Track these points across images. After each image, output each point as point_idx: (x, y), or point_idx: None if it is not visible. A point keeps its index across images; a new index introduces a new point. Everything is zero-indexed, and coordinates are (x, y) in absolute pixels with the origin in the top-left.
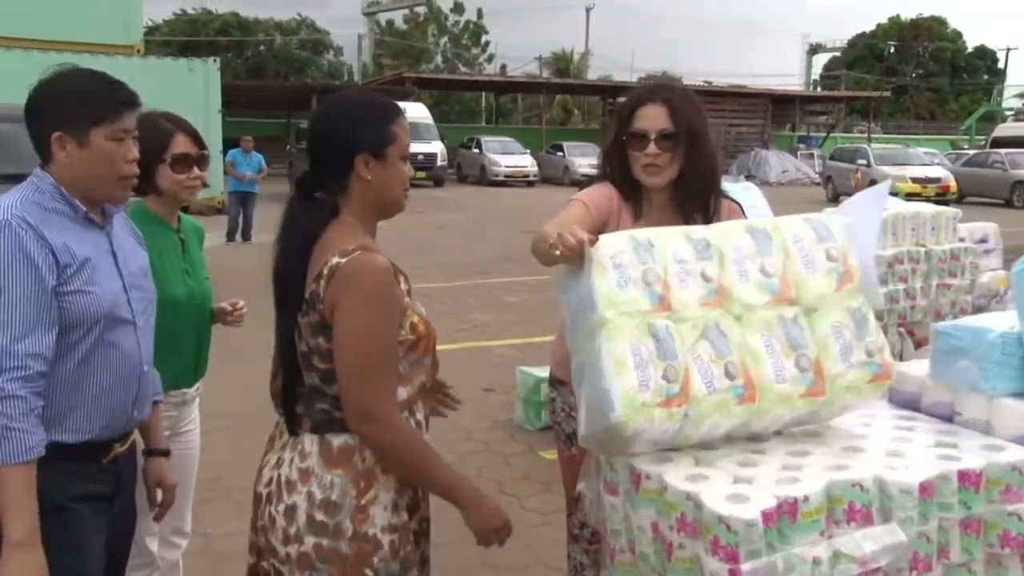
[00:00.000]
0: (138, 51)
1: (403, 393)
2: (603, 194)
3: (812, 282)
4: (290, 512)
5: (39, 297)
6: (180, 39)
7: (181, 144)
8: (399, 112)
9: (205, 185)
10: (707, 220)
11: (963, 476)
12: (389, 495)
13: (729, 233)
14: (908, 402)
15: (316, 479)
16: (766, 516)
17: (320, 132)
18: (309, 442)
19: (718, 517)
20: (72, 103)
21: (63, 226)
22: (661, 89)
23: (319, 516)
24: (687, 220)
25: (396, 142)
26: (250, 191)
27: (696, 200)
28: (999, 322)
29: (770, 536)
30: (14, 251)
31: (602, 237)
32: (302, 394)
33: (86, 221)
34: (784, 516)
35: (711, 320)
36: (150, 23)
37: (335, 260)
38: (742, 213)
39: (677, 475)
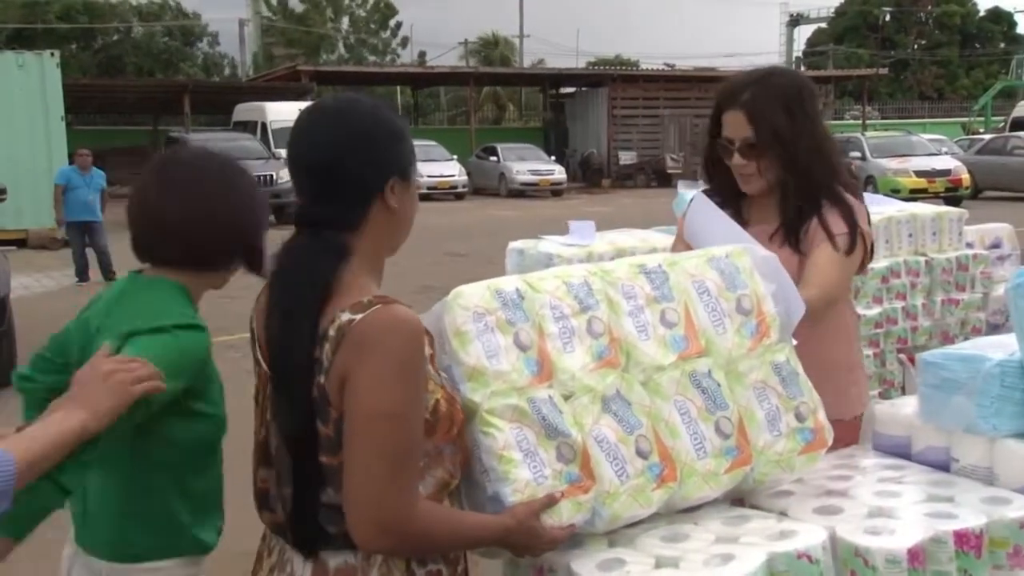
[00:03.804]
0: None
1: (421, 491)
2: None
3: (722, 342)
4: None
5: None
6: (7, 27)
7: None
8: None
9: None
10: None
11: (961, 538)
12: None
13: (617, 274)
14: (896, 448)
15: None
16: None
17: (334, 158)
18: (299, 565)
19: None
20: None
21: None
22: (743, 88)
23: None
24: (793, 232)
25: (415, 157)
26: (94, 219)
27: (797, 213)
28: (996, 349)
29: None
30: None
31: (459, 290)
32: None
33: None
34: None
35: (610, 387)
36: None
37: (345, 317)
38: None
39: (586, 564)
